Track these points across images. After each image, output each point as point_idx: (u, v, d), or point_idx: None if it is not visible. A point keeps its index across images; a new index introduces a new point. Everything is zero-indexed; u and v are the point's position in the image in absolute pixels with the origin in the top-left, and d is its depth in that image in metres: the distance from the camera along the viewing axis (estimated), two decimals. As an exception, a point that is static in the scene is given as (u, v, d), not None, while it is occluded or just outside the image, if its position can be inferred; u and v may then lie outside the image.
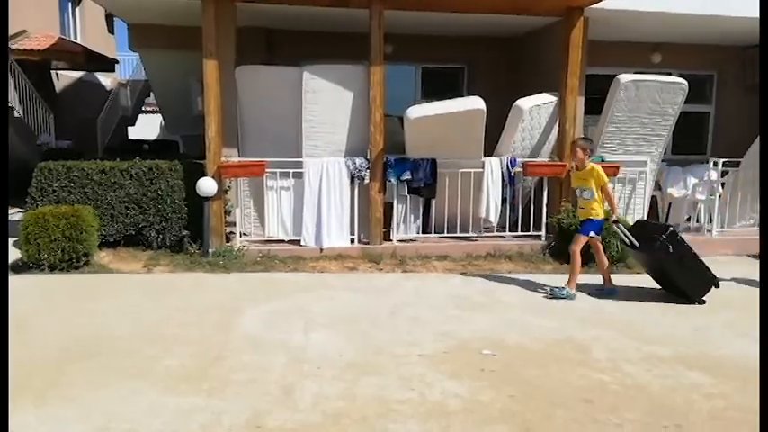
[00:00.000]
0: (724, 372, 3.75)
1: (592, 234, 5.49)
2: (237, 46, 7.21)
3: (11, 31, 12.18)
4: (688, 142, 10.01)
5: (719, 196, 7.79)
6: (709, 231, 7.80)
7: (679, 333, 4.51)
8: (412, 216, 7.26)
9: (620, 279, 5.80)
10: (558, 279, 5.97)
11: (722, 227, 7.86)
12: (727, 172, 7.79)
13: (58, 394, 3.26)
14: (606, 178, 5.47)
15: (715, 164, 7.71)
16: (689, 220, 8.37)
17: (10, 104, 11.38)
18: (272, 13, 7.60)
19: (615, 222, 5.54)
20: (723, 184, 7.84)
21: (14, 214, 8.80)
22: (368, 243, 6.96)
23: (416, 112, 6.78)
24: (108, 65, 15.59)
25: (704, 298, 5.28)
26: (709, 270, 5.30)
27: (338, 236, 6.95)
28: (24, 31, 12.69)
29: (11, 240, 6.56)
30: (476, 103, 6.76)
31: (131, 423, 2.96)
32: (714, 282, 5.25)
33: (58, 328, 4.33)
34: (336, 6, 6.85)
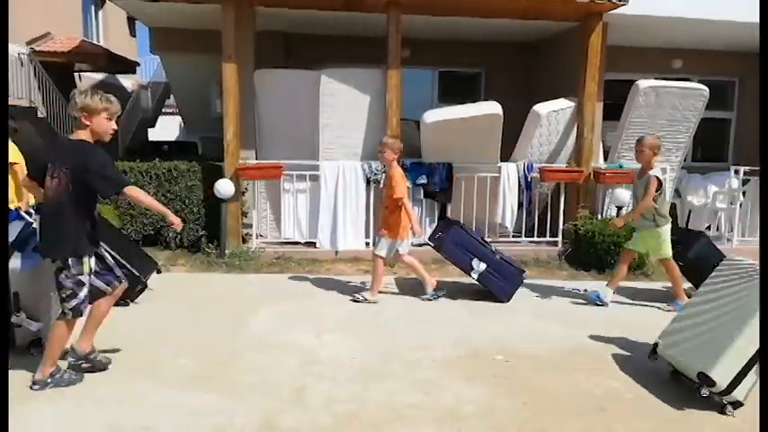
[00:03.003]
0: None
1: None
2: (256, 50, 7.28)
3: (35, 34, 12.44)
4: (708, 149, 9.88)
5: (740, 205, 7.68)
6: (730, 240, 7.68)
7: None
8: (427, 220, 7.26)
9: (637, 286, 5.73)
10: (575, 285, 5.95)
11: (743, 236, 7.74)
12: (748, 180, 7.67)
13: (72, 390, 3.31)
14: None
15: (736, 172, 7.60)
16: (709, 228, 8.25)
17: (34, 105, 11.60)
18: (290, 18, 7.66)
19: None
20: (744, 193, 7.73)
21: (36, 213, 8.95)
22: (383, 246, 6.96)
23: (433, 116, 6.78)
24: (129, 67, 15.82)
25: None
26: (149, 265, 4.89)
27: (353, 238, 6.97)
28: (48, 33, 12.93)
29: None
30: (493, 107, 6.74)
31: (145, 421, 3.00)
32: (143, 282, 4.81)
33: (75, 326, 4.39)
34: (354, 11, 6.89)
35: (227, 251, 6.54)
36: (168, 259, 6.49)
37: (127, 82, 17.92)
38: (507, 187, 7.18)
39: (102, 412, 3.06)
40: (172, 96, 15.71)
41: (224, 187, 6.45)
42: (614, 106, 7.67)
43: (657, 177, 4.98)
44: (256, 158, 7.09)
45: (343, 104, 6.92)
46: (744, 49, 8.90)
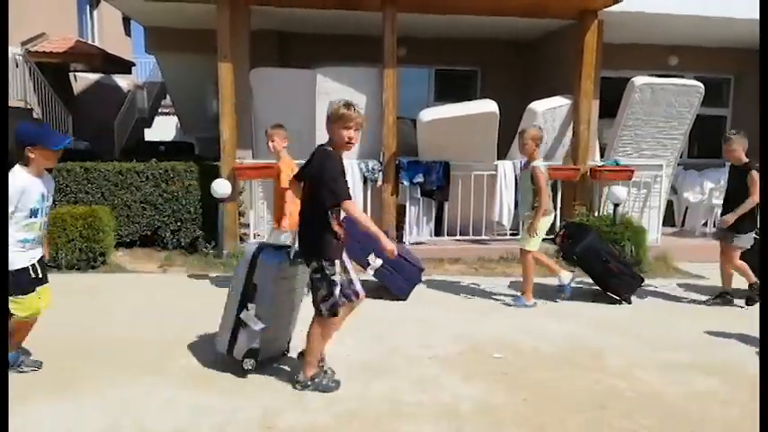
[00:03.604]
0: (737, 378, 3.71)
1: None
2: (252, 49, 7.27)
3: (30, 35, 12.39)
4: (704, 146, 9.91)
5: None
6: (726, 236, 7.69)
7: (693, 340, 4.46)
8: (425, 219, 7.26)
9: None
10: (573, 283, 5.95)
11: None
12: (744, 176, 7.68)
13: (75, 389, 3.30)
14: None
15: (732, 168, 7.61)
16: (705, 224, 8.28)
17: (29, 106, 11.56)
18: (285, 17, 7.66)
19: None
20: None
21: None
22: (380, 245, 6.97)
23: (429, 114, 6.79)
24: (125, 67, 15.78)
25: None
26: None
27: (351, 238, 6.97)
28: (43, 34, 12.88)
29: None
30: (489, 105, 6.76)
31: (147, 418, 3.00)
32: None
33: (74, 326, 4.38)
34: (350, 9, 6.89)
35: (224, 251, 6.53)
36: (165, 260, 6.48)
37: (123, 82, 17.87)
38: (504, 185, 7.19)
39: (102, 412, 3.06)
40: (168, 96, 15.68)
41: (221, 187, 6.43)
42: (610, 103, 7.69)
43: (539, 168, 5.03)
44: (253, 158, 7.08)
45: (339, 103, 6.91)
46: (739, 46, 8.94)
